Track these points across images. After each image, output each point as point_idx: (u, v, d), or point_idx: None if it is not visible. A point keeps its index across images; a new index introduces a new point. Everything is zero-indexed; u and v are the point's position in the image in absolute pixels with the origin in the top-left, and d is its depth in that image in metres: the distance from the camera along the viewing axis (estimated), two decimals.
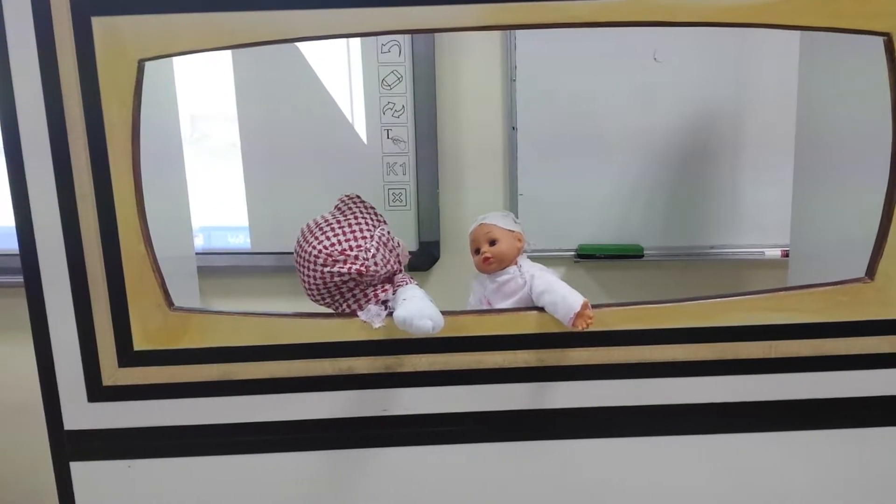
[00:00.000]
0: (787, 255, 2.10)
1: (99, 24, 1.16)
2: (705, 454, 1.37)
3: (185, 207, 1.78)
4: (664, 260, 2.24)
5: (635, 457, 1.37)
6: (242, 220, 2.26)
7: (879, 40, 1.21)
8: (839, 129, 1.62)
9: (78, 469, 1.34)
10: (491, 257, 1.38)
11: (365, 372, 1.31)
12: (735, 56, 2.12)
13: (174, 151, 1.71)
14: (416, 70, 2.11)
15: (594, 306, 1.27)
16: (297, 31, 1.20)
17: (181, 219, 1.76)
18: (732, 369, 1.32)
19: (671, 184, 2.19)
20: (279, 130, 2.18)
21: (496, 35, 2.14)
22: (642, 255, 2.22)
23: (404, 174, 2.19)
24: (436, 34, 2.10)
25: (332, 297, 1.32)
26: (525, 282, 1.35)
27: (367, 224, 1.32)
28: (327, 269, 1.26)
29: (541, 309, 1.31)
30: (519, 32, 2.09)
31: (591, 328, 1.25)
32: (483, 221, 1.41)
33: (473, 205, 2.22)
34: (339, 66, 2.13)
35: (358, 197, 1.37)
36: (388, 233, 1.34)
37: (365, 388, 1.32)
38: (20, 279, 1.26)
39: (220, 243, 2.31)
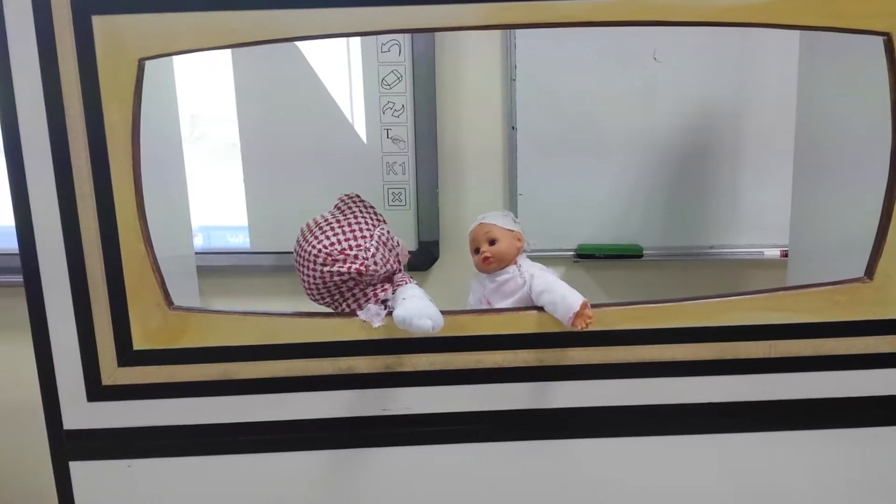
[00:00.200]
0: (786, 255, 2.10)
1: (99, 22, 1.16)
2: (704, 454, 1.37)
3: (185, 207, 1.78)
4: (664, 260, 2.24)
5: (635, 456, 1.37)
6: (242, 219, 2.25)
7: (879, 40, 1.21)
8: (839, 128, 1.62)
9: (77, 469, 1.34)
10: (490, 257, 1.38)
11: (365, 371, 1.31)
12: (735, 56, 2.12)
13: (174, 151, 1.71)
14: (415, 70, 2.11)
15: (593, 306, 1.27)
16: (297, 30, 1.20)
17: (181, 218, 1.76)
18: (732, 369, 1.32)
19: (670, 184, 2.19)
20: (279, 130, 2.18)
21: (496, 35, 2.14)
22: (642, 255, 2.22)
23: (404, 174, 2.19)
24: (436, 34, 2.10)
25: (331, 296, 1.32)
26: (524, 281, 1.35)
27: (366, 223, 1.32)
28: (327, 268, 1.26)
29: (540, 308, 1.31)
30: (519, 32, 2.09)
31: (591, 328, 1.25)
32: (482, 221, 1.41)
33: (473, 204, 2.22)
34: (338, 65, 2.13)
35: (357, 196, 1.37)
36: (388, 232, 1.34)
37: (365, 387, 1.33)
38: (20, 279, 1.26)
39: (219, 243, 2.31)
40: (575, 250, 2.23)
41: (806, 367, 1.32)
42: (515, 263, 1.39)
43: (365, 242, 1.28)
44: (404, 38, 2.09)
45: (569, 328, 1.26)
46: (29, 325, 1.28)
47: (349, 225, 1.30)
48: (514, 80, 2.13)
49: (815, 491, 1.40)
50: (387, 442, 1.36)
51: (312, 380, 1.31)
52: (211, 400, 1.32)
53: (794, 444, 1.37)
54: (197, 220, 2.11)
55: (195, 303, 1.77)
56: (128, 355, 1.29)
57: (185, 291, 1.58)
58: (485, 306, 1.39)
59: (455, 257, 2.21)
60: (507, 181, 2.22)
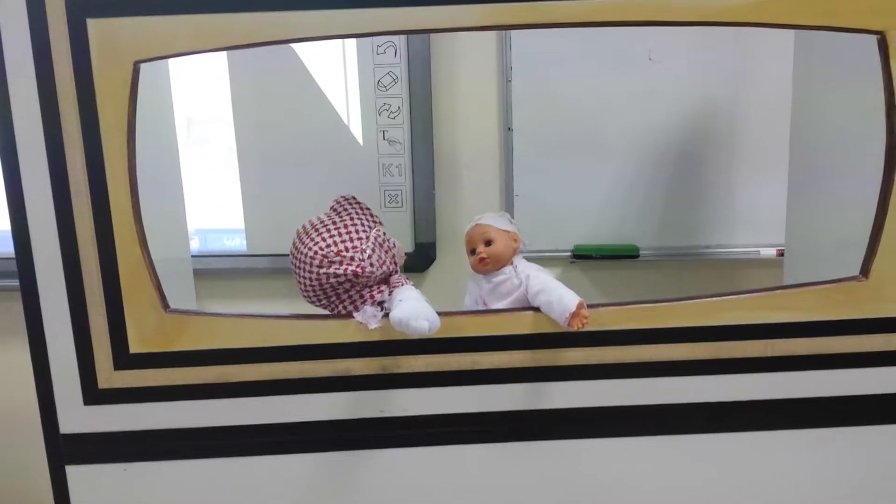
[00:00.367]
0: (782, 254, 2.10)
1: (94, 25, 1.16)
2: (701, 453, 1.37)
3: (181, 210, 1.78)
4: (660, 260, 2.24)
5: (632, 457, 1.37)
6: (238, 222, 2.25)
7: (873, 39, 1.21)
8: (834, 128, 1.62)
9: (74, 472, 1.34)
10: (487, 258, 1.38)
11: (361, 373, 1.31)
12: (730, 55, 2.12)
13: (170, 154, 1.71)
14: (411, 71, 2.11)
15: (590, 306, 1.27)
16: (292, 32, 1.20)
17: (177, 221, 1.76)
18: (729, 368, 1.32)
19: (667, 183, 2.20)
20: (275, 132, 2.17)
21: (491, 35, 2.14)
22: (638, 255, 2.22)
23: (400, 175, 2.18)
24: (431, 35, 2.10)
25: (328, 298, 1.32)
26: (521, 282, 1.35)
27: (362, 225, 1.32)
28: (323, 270, 1.26)
29: (536, 309, 1.31)
30: (514, 33, 2.09)
31: (587, 328, 1.25)
32: (479, 222, 1.42)
33: (469, 206, 2.22)
34: (334, 67, 2.13)
35: (354, 198, 1.37)
36: (384, 234, 1.34)
37: (361, 389, 1.32)
38: (16, 282, 1.26)
39: (215, 246, 2.31)
40: (571, 251, 2.23)
41: (802, 366, 1.32)
42: (511, 264, 1.39)
43: (361, 244, 1.28)
44: (400, 40, 2.09)
45: (565, 328, 1.26)
46: (25, 328, 1.28)
47: (345, 227, 1.30)
48: (510, 80, 2.13)
49: (813, 490, 1.40)
50: (384, 444, 1.36)
51: (309, 382, 1.31)
52: (207, 403, 1.31)
53: (791, 442, 1.37)
54: (193, 223, 2.11)
55: (192, 306, 1.77)
56: (124, 358, 1.29)
57: (181, 294, 1.58)
58: (481, 307, 1.39)
59: (452, 259, 2.21)
60: (503, 182, 2.22)
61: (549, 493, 1.39)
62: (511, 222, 1.43)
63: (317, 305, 1.34)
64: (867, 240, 1.29)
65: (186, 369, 1.30)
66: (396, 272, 1.37)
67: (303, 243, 1.29)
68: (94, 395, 1.30)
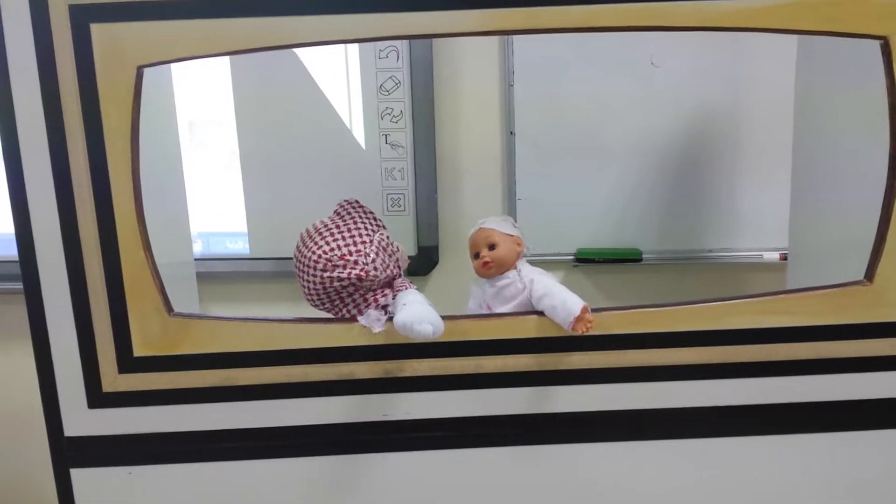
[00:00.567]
0: (785, 258, 2.10)
1: (98, 30, 1.17)
2: (706, 458, 1.37)
3: (184, 213, 1.78)
4: (662, 264, 2.24)
5: (636, 461, 1.37)
6: (241, 225, 2.25)
7: (877, 43, 1.21)
8: (837, 131, 1.62)
9: (78, 476, 1.34)
10: (490, 261, 1.37)
11: (365, 377, 1.31)
12: (732, 60, 2.12)
13: (173, 157, 1.71)
14: (413, 75, 2.11)
15: (593, 310, 1.27)
16: (295, 37, 1.20)
17: (180, 224, 1.76)
18: (733, 372, 1.32)
19: (669, 187, 2.19)
20: (277, 136, 2.18)
21: (493, 40, 2.14)
22: (640, 259, 2.22)
23: (402, 179, 2.19)
24: (434, 40, 2.10)
25: (331, 302, 1.32)
26: (524, 286, 1.35)
27: (366, 229, 1.32)
28: (327, 274, 1.27)
29: (540, 313, 1.31)
30: (516, 37, 2.09)
31: (591, 332, 1.26)
32: (482, 226, 1.42)
33: (472, 209, 2.22)
34: (337, 71, 2.13)
35: (357, 202, 1.37)
36: (388, 237, 1.34)
37: (365, 392, 1.32)
38: (20, 286, 1.26)
39: (218, 249, 2.31)
40: (574, 254, 2.23)
41: (806, 371, 1.32)
42: (515, 268, 1.38)
43: (365, 248, 1.29)
44: (402, 44, 2.09)
45: (569, 333, 1.26)
46: (29, 332, 1.28)
47: (349, 230, 1.30)
48: (512, 85, 2.13)
49: (818, 494, 1.39)
50: (387, 447, 1.36)
51: (313, 385, 1.31)
52: (211, 406, 1.31)
53: (795, 447, 1.36)
54: (196, 226, 2.11)
55: (195, 309, 1.77)
56: (128, 362, 1.29)
57: (184, 298, 1.58)
58: (485, 311, 1.39)
59: (454, 262, 2.21)
60: (505, 186, 2.22)
61: (552, 497, 1.38)
62: (514, 226, 1.43)
63: (320, 309, 1.34)
64: (871, 244, 1.29)
65: (190, 373, 1.30)
66: (400, 276, 1.37)
67: (306, 247, 1.29)
68: (98, 398, 1.30)
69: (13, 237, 1.25)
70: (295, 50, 2.07)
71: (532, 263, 1.42)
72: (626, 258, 2.22)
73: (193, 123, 2.24)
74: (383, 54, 2.10)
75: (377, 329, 1.28)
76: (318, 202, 1.46)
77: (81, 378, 1.30)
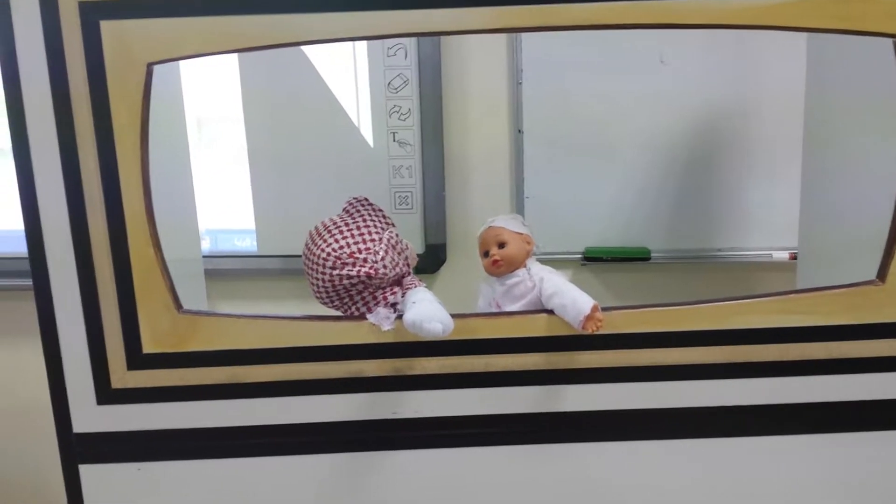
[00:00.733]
0: (794, 258, 2.09)
1: (107, 27, 1.16)
2: (716, 458, 1.36)
3: (192, 210, 1.78)
4: (671, 262, 2.23)
5: (646, 460, 1.37)
6: (249, 223, 2.25)
7: (888, 41, 1.20)
8: (847, 130, 1.61)
9: (87, 472, 1.34)
10: (500, 260, 1.37)
11: (374, 375, 1.31)
12: (741, 58, 2.11)
13: (181, 154, 1.71)
14: (422, 73, 2.11)
15: (603, 309, 1.27)
16: (304, 34, 1.20)
17: (188, 221, 1.76)
18: (744, 372, 1.31)
19: (678, 186, 2.19)
20: (285, 134, 2.18)
21: (502, 38, 2.14)
22: (649, 258, 2.21)
23: (410, 177, 2.18)
24: (442, 37, 2.10)
25: (340, 299, 1.32)
26: (534, 284, 1.35)
27: (375, 227, 1.32)
28: (336, 271, 1.26)
29: (550, 311, 1.30)
30: (525, 35, 2.09)
31: (601, 331, 1.25)
32: (492, 224, 1.41)
33: (480, 208, 2.21)
34: (345, 69, 2.13)
35: (366, 199, 1.37)
36: (397, 235, 1.34)
37: (374, 390, 1.32)
38: (29, 282, 1.26)
39: (226, 246, 2.31)
40: (582, 253, 2.22)
41: (818, 371, 1.31)
42: (525, 266, 1.38)
43: (374, 246, 1.28)
44: (410, 42, 2.09)
45: (579, 331, 1.25)
46: (38, 328, 1.28)
47: (358, 228, 1.30)
48: (521, 83, 2.13)
49: (830, 495, 1.38)
50: (396, 445, 1.36)
51: (321, 383, 1.31)
52: (220, 403, 1.31)
53: (806, 447, 1.36)
54: (204, 223, 2.11)
55: (203, 306, 1.78)
56: (137, 358, 1.29)
57: (192, 295, 1.58)
58: (494, 309, 1.39)
59: (462, 261, 2.21)
60: (513, 184, 2.22)
61: (561, 496, 1.38)
62: (524, 224, 1.43)
63: (329, 307, 1.34)
64: (882, 243, 1.28)
65: (199, 370, 1.30)
66: (409, 274, 1.36)
67: (315, 245, 1.29)
68: (107, 394, 1.31)
69: (23, 234, 1.25)
70: (303, 48, 2.07)
71: (540, 262, 1.42)
72: (634, 257, 2.21)
73: (202, 121, 2.24)
74: (391, 52, 2.09)
75: (386, 327, 1.28)
76: (325, 200, 1.46)
77: (90, 374, 1.30)
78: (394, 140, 2.16)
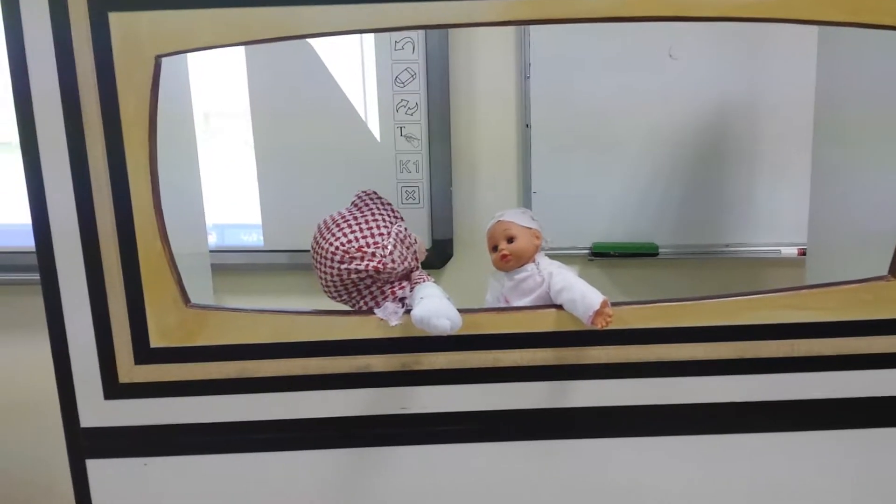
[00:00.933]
0: (803, 254, 2.08)
1: (116, 19, 1.16)
2: (725, 454, 1.36)
3: (200, 204, 1.78)
4: (679, 258, 2.22)
5: (654, 456, 1.36)
6: (255, 217, 2.25)
7: None
8: (857, 124, 1.60)
9: (94, 466, 1.34)
10: (509, 254, 1.37)
11: (382, 370, 1.31)
12: (751, 52, 2.10)
13: (189, 149, 1.71)
14: (429, 67, 2.10)
15: (612, 305, 1.26)
16: (312, 26, 1.19)
17: (195, 216, 1.76)
18: (753, 368, 1.31)
19: (686, 181, 2.18)
20: (292, 128, 2.17)
21: (510, 32, 2.13)
22: (657, 254, 2.20)
23: (417, 172, 2.18)
24: (450, 31, 2.09)
25: (348, 293, 1.31)
26: (543, 279, 1.34)
27: (384, 221, 1.31)
28: (344, 265, 1.26)
29: (559, 307, 1.30)
30: (533, 29, 2.08)
31: (611, 326, 1.24)
32: (501, 218, 1.41)
33: (487, 203, 2.21)
34: (352, 63, 2.13)
35: (375, 193, 1.36)
36: (405, 229, 1.33)
37: (382, 386, 1.32)
38: (37, 276, 1.26)
39: (233, 241, 2.31)
40: (590, 248, 2.22)
41: (828, 367, 1.31)
42: (534, 261, 1.38)
43: (382, 240, 1.28)
44: (418, 36, 2.09)
45: (588, 327, 1.25)
46: (46, 323, 1.28)
47: (366, 222, 1.30)
48: (529, 77, 2.12)
49: (839, 492, 1.38)
50: (404, 441, 1.35)
51: (329, 378, 1.31)
52: (227, 398, 1.31)
53: (816, 444, 1.35)
54: (210, 217, 2.11)
55: (209, 301, 1.77)
56: (145, 353, 1.29)
57: (199, 290, 1.57)
58: (503, 304, 1.38)
59: (469, 255, 2.21)
60: (521, 179, 2.21)
61: (570, 491, 1.38)
62: (533, 219, 1.42)
63: (338, 301, 1.33)
64: (891, 239, 1.27)
65: (207, 364, 1.30)
66: (418, 268, 1.36)
67: (324, 238, 1.28)
68: (114, 389, 1.30)
69: (31, 228, 1.24)
70: (310, 41, 2.06)
71: (548, 257, 1.41)
72: (642, 252, 2.21)
73: (209, 115, 2.24)
74: (399, 46, 2.09)
75: (394, 322, 1.28)
76: (332, 195, 1.45)
77: (98, 369, 1.30)
78: (401, 134, 2.15)
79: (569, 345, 1.29)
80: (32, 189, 1.23)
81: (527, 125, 2.15)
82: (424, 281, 1.33)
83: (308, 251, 1.33)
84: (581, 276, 1.34)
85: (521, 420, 1.33)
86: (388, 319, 1.28)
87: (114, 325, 1.27)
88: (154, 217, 1.23)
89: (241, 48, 2.08)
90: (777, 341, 1.30)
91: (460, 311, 1.25)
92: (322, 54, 2.11)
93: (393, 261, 1.27)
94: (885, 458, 1.37)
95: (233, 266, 2.26)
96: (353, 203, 1.35)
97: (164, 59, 1.19)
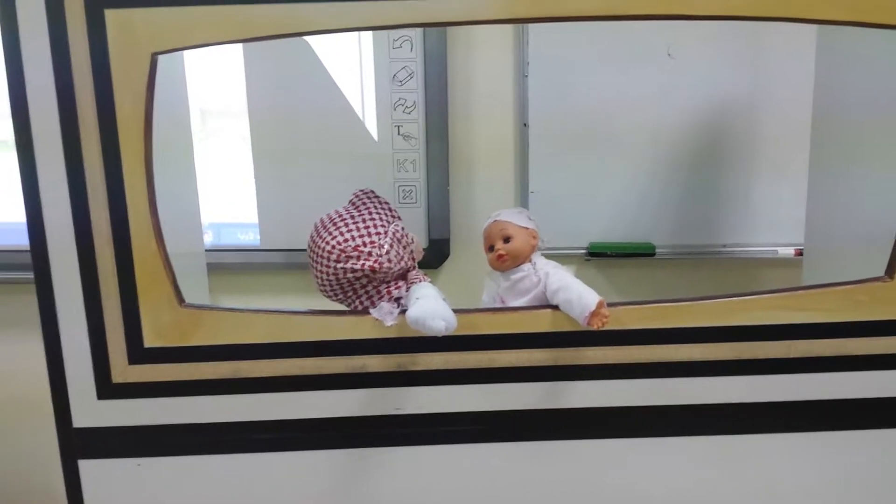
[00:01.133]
0: (800, 254, 2.08)
1: (112, 16, 1.16)
2: (722, 455, 1.36)
3: (195, 203, 1.78)
4: (676, 258, 2.22)
5: (651, 457, 1.36)
6: (252, 216, 2.24)
7: None
8: (855, 124, 1.60)
9: (87, 467, 1.34)
10: (505, 254, 1.36)
11: (377, 370, 1.30)
12: (749, 52, 2.10)
13: (185, 147, 1.70)
14: (427, 66, 2.10)
15: (609, 305, 1.26)
16: (310, 24, 1.19)
17: (191, 215, 1.75)
18: (750, 369, 1.31)
19: (683, 181, 2.18)
20: (289, 127, 2.16)
21: (508, 30, 2.13)
22: (654, 254, 2.20)
23: (415, 171, 2.17)
24: (448, 29, 2.08)
25: (344, 293, 1.30)
26: (539, 279, 1.34)
27: (380, 220, 1.30)
28: (340, 265, 1.25)
29: (555, 307, 1.29)
30: (531, 28, 2.08)
31: (607, 327, 1.24)
32: (497, 218, 1.40)
33: (484, 202, 2.20)
34: (350, 61, 2.12)
35: (372, 192, 1.36)
36: (402, 229, 1.33)
37: (377, 386, 1.31)
38: (30, 275, 1.25)
39: (229, 240, 2.30)
40: (587, 248, 2.21)
41: (825, 368, 1.31)
42: (530, 261, 1.37)
43: (379, 239, 1.27)
44: (416, 34, 2.08)
45: (585, 327, 1.24)
46: (39, 322, 1.27)
47: (363, 221, 1.29)
48: (527, 76, 2.12)
49: (836, 493, 1.38)
50: (399, 441, 1.35)
51: (324, 378, 1.30)
52: (222, 398, 1.31)
53: (813, 445, 1.35)
54: (206, 216, 2.10)
55: (205, 300, 1.77)
56: (138, 353, 1.28)
57: (194, 289, 1.57)
58: (499, 304, 1.38)
59: (466, 255, 2.20)
60: (518, 178, 2.21)
61: (566, 492, 1.37)
62: (530, 219, 1.41)
63: (334, 300, 1.32)
64: (889, 240, 1.27)
65: (201, 364, 1.29)
66: (414, 268, 1.35)
67: (320, 237, 1.28)
68: (108, 389, 1.30)
69: (24, 226, 1.24)
70: (308, 40, 2.06)
71: (544, 257, 1.40)
72: (639, 252, 2.20)
73: (206, 113, 2.23)
74: (397, 44, 2.08)
75: (389, 322, 1.27)
76: (329, 194, 1.45)
77: (91, 369, 1.29)
78: (398, 133, 2.15)
79: (565, 345, 1.29)
80: (27, 187, 1.22)
81: (525, 124, 2.15)
82: (421, 281, 1.33)
83: (305, 250, 1.33)
84: (578, 276, 1.34)
85: (516, 421, 1.33)
86: (383, 320, 1.27)
87: (108, 324, 1.27)
88: (149, 216, 1.23)
89: (239, 46, 2.08)
90: (773, 342, 1.30)
91: (456, 311, 1.25)
92: (320, 53, 2.10)
93: (389, 260, 1.27)
94: (881, 460, 1.36)
95: (229, 265, 2.25)
96: (350, 202, 1.35)
97: (160, 57, 1.18)
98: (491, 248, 1.39)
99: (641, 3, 1.17)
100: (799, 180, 1.86)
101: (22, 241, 1.26)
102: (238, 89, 2.13)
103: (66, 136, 1.19)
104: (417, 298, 1.26)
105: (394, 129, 2.14)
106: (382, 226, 1.29)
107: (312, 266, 1.30)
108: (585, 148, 2.16)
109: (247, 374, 1.29)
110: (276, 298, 2.24)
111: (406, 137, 2.14)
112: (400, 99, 2.12)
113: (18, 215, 1.24)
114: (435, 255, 2.20)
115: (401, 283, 1.31)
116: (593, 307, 1.23)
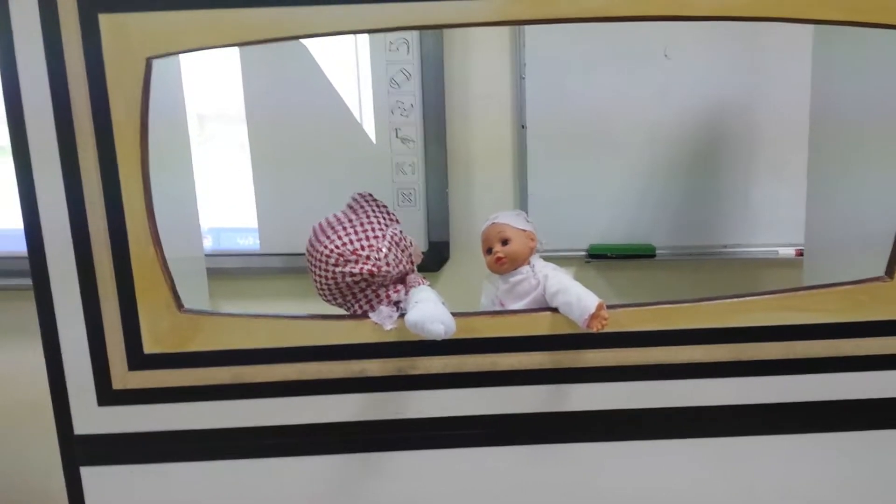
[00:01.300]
0: (801, 254, 2.08)
1: (106, 21, 1.15)
2: (722, 457, 1.35)
3: (194, 208, 1.77)
4: (676, 259, 2.22)
5: (652, 459, 1.35)
6: (251, 221, 2.24)
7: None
8: (854, 124, 1.59)
9: (88, 474, 1.33)
10: (503, 257, 1.36)
11: (377, 374, 1.30)
12: (747, 52, 2.10)
13: (182, 152, 1.70)
14: (424, 68, 2.10)
15: (607, 307, 1.25)
16: (306, 27, 1.19)
17: (190, 220, 1.75)
18: (750, 370, 1.30)
19: (683, 182, 2.18)
20: (287, 130, 2.16)
21: (505, 32, 2.13)
22: (654, 255, 2.20)
23: (413, 174, 2.17)
24: (444, 32, 2.09)
25: (343, 296, 1.30)
26: (538, 282, 1.33)
27: (379, 223, 1.30)
28: (339, 269, 1.25)
29: (554, 310, 1.29)
30: (528, 30, 2.08)
31: (607, 329, 1.23)
32: (495, 221, 1.40)
33: (483, 204, 2.20)
34: (347, 65, 2.12)
35: (370, 195, 1.35)
36: (401, 232, 1.32)
37: (377, 390, 1.31)
38: (29, 282, 1.25)
39: (228, 245, 2.30)
40: (586, 250, 2.21)
41: (825, 369, 1.30)
42: (529, 264, 1.37)
43: (377, 243, 1.27)
44: (412, 37, 2.08)
45: (584, 330, 1.24)
46: (39, 329, 1.27)
47: (361, 225, 1.29)
48: (524, 78, 2.12)
49: (835, 494, 1.38)
50: (400, 446, 1.34)
51: (324, 383, 1.30)
52: (222, 404, 1.30)
53: (813, 446, 1.35)
54: (206, 221, 2.10)
55: (205, 306, 1.76)
56: (138, 359, 1.28)
57: (194, 294, 1.56)
58: (498, 307, 1.37)
59: (465, 258, 2.20)
60: (516, 180, 2.21)
61: (567, 495, 1.37)
62: (528, 221, 1.41)
63: (332, 304, 1.32)
64: (889, 240, 1.26)
65: (201, 370, 1.29)
66: (413, 271, 1.35)
67: (319, 241, 1.27)
68: (108, 396, 1.29)
69: (22, 232, 1.23)
70: (305, 43, 2.06)
71: (544, 259, 1.40)
72: (639, 254, 2.20)
73: (204, 118, 2.23)
74: (394, 47, 2.08)
75: (388, 326, 1.27)
76: (328, 197, 1.44)
77: (91, 375, 1.29)
78: (396, 136, 2.15)
79: (565, 348, 1.29)
80: (24, 193, 1.22)
81: (522, 126, 2.15)
82: (420, 284, 1.32)
83: (304, 254, 1.32)
84: (577, 278, 1.33)
85: (517, 424, 1.32)
86: (382, 324, 1.27)
87: (107, 330, 1.27)
88: (147, 221, 1.22)
89: (236, 51, 2.08)
90: (774, 343, 1.29)
91: (455, 314, 1.24)
92: (317, 56, 2.10)
93: (388, 264, 1.26)
94: (882, 461, 1.36)
95: (229, 270, 2.25)
96: (348, 205, 1.35)
97: (156, 62, 1.18)
98: (489, 251, 1.38)
99: (637, 4, 1.17)
100: (798, 180, 1.86)
101: (19, 247, 1.26)
102: (236, 94, 2.13)
103: (61, 142, 1.19)
104: (416, 302, 1.26)
105: (392, 132, 2.14)
106: (381, 229, 1.29)
107: (311, 270, 1.29)
108: (584, 149, 2.16)
109: (247, 379, 1.29)
110: (276, 303, 2.24)
111: (404, 140, 2.14)
112: (397, 102, 2.12)
113: (16, 221, 1.24)
114: (434, 258, 2.20)
115: (400, 286, 1.31)
116: (592, 310, 1.23)
